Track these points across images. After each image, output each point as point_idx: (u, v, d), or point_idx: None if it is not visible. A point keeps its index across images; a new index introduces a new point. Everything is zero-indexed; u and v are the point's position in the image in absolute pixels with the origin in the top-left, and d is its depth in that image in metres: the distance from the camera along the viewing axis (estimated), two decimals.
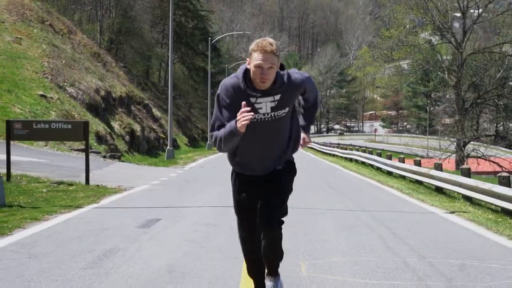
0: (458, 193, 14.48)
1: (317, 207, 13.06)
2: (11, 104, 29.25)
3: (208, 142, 60.21)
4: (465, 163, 42.42)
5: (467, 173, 14.36)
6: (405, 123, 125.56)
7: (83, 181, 17.60)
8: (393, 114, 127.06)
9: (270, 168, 5.12)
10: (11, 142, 17.72)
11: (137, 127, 40.80)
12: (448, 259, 7.51)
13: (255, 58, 4.73)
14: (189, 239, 8.86)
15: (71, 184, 16.86)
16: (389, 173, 23.82)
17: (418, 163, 20.16)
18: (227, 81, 4.96)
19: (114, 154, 28.94)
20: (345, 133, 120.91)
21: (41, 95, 31.58)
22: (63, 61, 38.17)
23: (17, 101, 29.76)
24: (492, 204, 12.30)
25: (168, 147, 36.15)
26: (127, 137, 37.55)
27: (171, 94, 37.45)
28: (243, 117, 4.59)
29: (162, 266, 6.93)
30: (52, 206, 12.29)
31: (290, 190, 5.23)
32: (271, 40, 4.81)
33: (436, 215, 12.15)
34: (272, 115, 4.90)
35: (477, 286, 6.22)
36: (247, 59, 4.87)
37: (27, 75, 33.38)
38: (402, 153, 60.32)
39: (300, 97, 5.36)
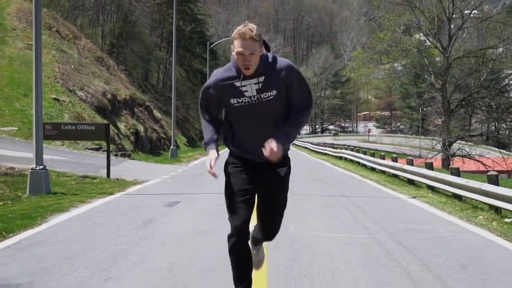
0: (423, 183, 17.46)
1: (304, 193, 15.96)
2: (28, 107, 32.06)
3: None
4: (451, 162, 45.42)
5: (430, 167, 17.38)
6: (398, 124, 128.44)
7: (104, 175, 20.49)
8: (386, 114, 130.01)
9: (262, 154, 4.94)
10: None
11: (140, 128, 43.59)
12: (396, 224, 10.47)
13: (236, 46, 4.81)
14: (207, 213, 11.75)
15: (94, 178, 19.74)
16: (373, 169, 26.79)
17: (395, 160, 23.16)
18: (217, 72, 5.10)
19: (125, 152, 31.86)
20: (339, 134, 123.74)
21: (54, 99, 34.42)
22: (72, 66, 41.03)
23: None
24: (446, 190, 15.24)
25: (172, 147, 39.16)
26: (132, 137, 40.32)
27: (174, 98, 40.32)
28: (207, 163, 4.97)
29: (191, 229, 9.82)
30: (89, 193, 15.19)
31: (286, 194, 5.32)
32: (251, 26, 4.85)
33: (401, 199, 15.15)
34: (259, 98, 4.91)
35: (408, 238, 9.14)
36: (231, 46, 4.92)
37: None
38: (394, 153, 63.25)
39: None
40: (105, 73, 48.70)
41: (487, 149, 53.93)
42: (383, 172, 24.21)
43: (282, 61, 5.01)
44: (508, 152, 51.10)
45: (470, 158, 47.29)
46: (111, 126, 37.18)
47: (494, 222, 10.80)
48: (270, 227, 5.33)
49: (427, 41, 51.13)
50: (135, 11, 67.10)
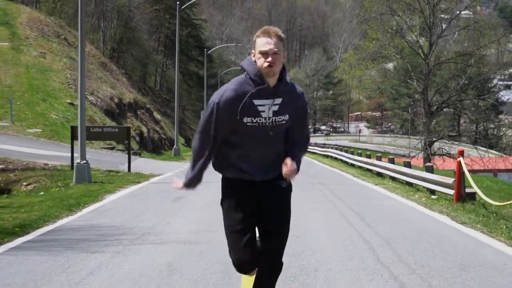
0: (387, 174, 21.98)
1: None
2: (47, 111, 36.47)
3: None
4: (431, 160, 49.99)
5: (392, 161, 21.92)
6: (389, 124, 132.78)
7: (125, 170, 24.97)
8: (377, 115, 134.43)
9: (267, 174, 4.82)
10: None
11: (144, 129, 47.98)
12: (353, 199, 14.99)
13: (260, 44, 4.57)
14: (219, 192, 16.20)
15: (118, 172, 24.20)
16: (352, 165, 31.31)
17: (379, 159, 27.71)
18: (231, 87, 4.69)
19: (135, 151, 36.29)
20: (331, 134, 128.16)
21: (69, 103, 38.82)
22: None
23: (51, 109, 36.98)
24: (402, 179, 19.73)
25: (175, 146, 43.77)
26: (137, 138, 44.72)
27: (177, 102, 44.78)
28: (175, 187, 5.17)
29: (213, 200, 14.23)
30: (122, 182, 19.64)
31: (290, 213, 4.97)
32: (276, 28, 4.67)
33: (365, 186, 19.72)
34: (273, 120, 4.66)
35: (358, 206, 13.61)
36: (252, 51, 4.68)
37: (55, 86, 40.62)
38: (379, 152, 67.78)
39: None
40: (110, 78, 53.09)
41: (468, 147, 58.27)
42: (360, 167, 28.72)
43: (298, 87, 4.87)
44: (485, 150, 55.28)
45: (449, 157, 51.85)
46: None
47: (423, 198, 15.30)
48: (273, 251, 4.85)
49: (410, 48, 55.36)
50: (134, 17, 71.44)
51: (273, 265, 4.86)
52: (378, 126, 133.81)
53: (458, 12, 55.45)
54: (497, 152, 79.01)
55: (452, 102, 54.07)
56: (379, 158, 25.35)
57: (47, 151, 28.59)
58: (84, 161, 19.70)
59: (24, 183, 21.93)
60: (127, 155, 33.38)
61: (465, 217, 11.83)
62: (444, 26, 53.24)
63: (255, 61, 4.64)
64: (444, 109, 58.35)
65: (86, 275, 6.85)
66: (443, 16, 53.94)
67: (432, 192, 16.18)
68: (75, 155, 24.02)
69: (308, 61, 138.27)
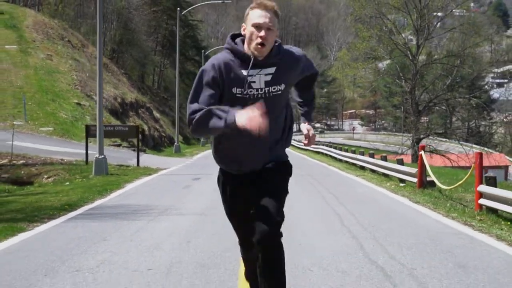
0: (368, 167, 24.99)
1: None
2: (57, 110, 39.41)
3: (202, 140, 70.10)
4: (419, 157, 53.09)
5: (372, 155, 24.96)
6: (382, 122, 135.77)
7: (133, 164, 27.93)
8: (371, 113, 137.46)
9: (260, 162, 4.54)
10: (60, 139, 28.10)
11: (145, 127, 50.92)
12: (334, 186, 17.97)
13: (253, 17, 4.30)
14: None
15: (128, 166, 27.18)
16: (340, 160, 34.30)
17: (372, 156, 30.74)
18: (217, 56, 4.50)
19: (141, 148, 39.17)
20: (325, 131, 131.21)
21: (77, 103, 41.76)
22: (87, 74, 48.40)
23: (61, 108, 39.92)
24: (380, 171, 22.71)
25: (175, 143, 46.78)
26: (140, 136, 47.64)
27: (178, 101, 47.77)
28: (256, 122, 4.01)
29: (215, 187, 17.20)
30: (135, 174, 22.61)
31: (285, 191, 4.66)
32: (273, 2, 4.34)
33: (347, 177, 22.77)
34: (266, 91, 4.37)
35: (335, 191, 16.60)
36: (242, 25, 4.41)
37: (63, 87, 43.55)
38: (377, 149, 70.98)
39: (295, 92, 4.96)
40: (112, 78, 56.01)
41: (454, 144, 61.16)
42: (346, 161, 31.72)
43: (295, 52, 4.62)
44: (470, 147, 58.26)
45: (436, 154, 54.89)
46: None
47: (393, 186, 18.31)
48: (264, 221, 4.33)
49: (398, 49, 58.22)
50: (133, 19, 74.35)
51: (268, 240, 4.29)
52: (371, 124, 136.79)
53: (444, 15, 58.43)
54: (487, 149, 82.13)
55: (439, 101, 57.11)
56: (371, 155, 26.38)
57: (61, 148, 31.57)
58: (102, 156, 22.67)
59: (45, 176, 24.86)
60: (132, 152, 36.40)
61: (420, 198, 14.85)
62: (431, 29, 56.12)
63: (242, 40, 4.47)
64: (435, 108, 61.37)
65: (134, 232, 9.81)
66: (434, 14, 56.79)
67: (402, 181, 19.17)
68: (89, 152, 27.09)
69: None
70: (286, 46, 4.60)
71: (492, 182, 12.35)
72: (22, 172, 25.69)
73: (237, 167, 4.65)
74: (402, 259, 7.69)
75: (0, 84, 41.30)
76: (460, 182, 14.12)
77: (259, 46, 4.30)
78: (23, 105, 35.96)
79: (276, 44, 4.46)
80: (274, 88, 4.42)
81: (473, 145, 60.42)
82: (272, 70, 4.41)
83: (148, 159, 33.41)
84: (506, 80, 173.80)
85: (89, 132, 27.30)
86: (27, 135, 33.31)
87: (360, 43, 58.83)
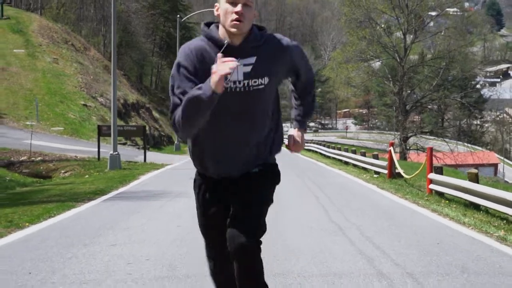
0: (351, 162, 28.38)
1: None
2: (65, 111, 42.72)
3: (175, 142, 73.37)
4: (407, 155, 56.60)
5: (354, 151, 28.37)
6: (375, 121, 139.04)
7: (140, 161, 31.24)
8: (364, 112, 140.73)
9: (243, 168, 4.09)
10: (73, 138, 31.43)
11: (146, 127, 54.22)
12: (318, 177, 21.33)
13: None
14: None
15: (136, 162, 30.49)
16: (328, 157, 37.69)
17: (364, 154, 34.16)
18: (189, 43, 4.04)
19: (144, 146, 42.52)
20: (319, 130, 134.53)
21: (83, 104, 45.06)
22: (91, 77, 51.71)
23: (69, 109, 43.22)
24: (360, 166, 26.06)
25: (175, 142, 50.11)
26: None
27: None
28: (223, 65, 3.65)
29: None
30: (145, 169, 25.92)
31: (269, 201, 4.21)
32: None
33: (331, 170, 26.19)
34: (246, 85, 3.90)
35: (318, 182, 19.98)
36: (215, 4, 3.98)
37: (70, 89, 46.83)
38: (367, 147, 74.50)
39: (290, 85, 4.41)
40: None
41: (440, 141, 64.51)
42: (334, 158, 35.10)
43: (281, 40, 4.08)
44: (455, 144, 61.66)
45: (423, 151, 58.35)
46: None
47: (368, 177, 21.68)
48: (241, 228, 3.98)
49: (387, 52, 61.48)
50: (132, 21, 77.58)
51: (245, 254, 3.96)
52: (364, 123, 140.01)
53: (430, 20, 61.85)
54: (477, 147, 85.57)
55: (426, 102, 60.57)
56: (363, 154, 27.84)
57: (72, 146, 34.89)
58: (116, 152, 25.99)
59: (62, 171, 28.10)
60: (137, 150, 39.70)
61: (386, 186, 18.23)
62: (418, 32, 59.49)
63: (217, 26, 4.02)
64: (427, 107, 64.80)
65: (159, 207, 13.15)
66: (420, 18, 60.19)
67: (377, 173, 22.54)
68: (101, 150, 30.42)
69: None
70: (277, 35, 4.12)
71: (439, 170, 15.74)
72: (41, 167, 28.90)
73: (215, 169, 4.12)
74: (355, 221, 11.07)
75: (12, 86, 44.49)
76: (417, 172, 17.52)
77: (235, 22, 3.79)
78: (36, 106, 39.16)
79: (256, 30, 4.01)
80: (254, 82, 3.91)
81: (460, 143, 63.79)
82: (252, 59, 3.92)
83: (153, 156, 36.68)
84: (498, 80, 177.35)
85: (101, 132, 30.59)
86: (40, 135, 36.51)
87: (350, 45, 62.32)
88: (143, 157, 32.78)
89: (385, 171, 21.02)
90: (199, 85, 3.77)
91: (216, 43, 3.92)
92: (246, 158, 4.09)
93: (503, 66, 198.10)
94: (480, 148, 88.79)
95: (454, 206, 13.56)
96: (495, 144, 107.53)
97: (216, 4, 3.95)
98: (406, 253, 8.22)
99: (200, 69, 3.91)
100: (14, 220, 11.41)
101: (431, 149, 16.70)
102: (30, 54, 51.30)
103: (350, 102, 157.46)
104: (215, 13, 3.93)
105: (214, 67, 3.67)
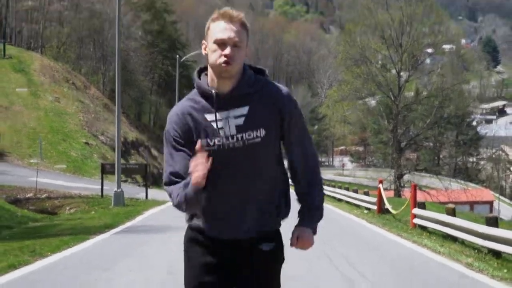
0: (342, 199, 29.90)
1: None
2: (68, 149, 44.28)
3: None
4: (401, 192, 58.13)
5: (347, 188, 29.91)
6: (372, 158, 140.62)
7: (142, 198, 32.71)
8: (361, 149, 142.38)
9: (249, 229, 3.57)
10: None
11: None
12: None
13: (216, 30, 3.41)
14: None
15: (138, 199, 31.97)
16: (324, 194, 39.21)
17: (355, 191, 35.71)
18: (175, 109, 3.60)
19: (145, 183, 44.02)
20: None
21: (85, 143, 46.63)
22: (92, 115, 53.37)
23: (71, 148, 44.78)
24: (352, 202, 27.55)
25: None
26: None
27: None
28: (195, 168, 3.28)
29: None
30: (147, 205, 27.38)
31: (278, 286, 3.73)
32: (240, 12, 3.49)
33: (325, 207, 27.52)
34: (240, 139, 3.44)
35: None
36: (203, 42, 3.51)
37: (72, 128, 48.44)
38: (362, 184, 76.01)
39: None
40: (114, 118, 60.86)
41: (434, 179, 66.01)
42: (328, 195, 36.58)
43: (278, 88, 3.61)
44: (448, 182, 63.11)
45: (418, 189, 59.90)
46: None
47: (359, 212, 23.19)
48: None
49: (381, 91, 63.20)
50: (132, 60, 79.54)
51: None
52: (361, 160, 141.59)
53: (424, 59, 63.76)
54: (475, 185, 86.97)
55: (420, 140, 62.26)
56: (355, 191, 29.64)
57: (75, 183, 36.36)
58: (120, 189, 27.47)
59: (68, 208, 29.54)
60: (137, 187, 41.16)
61: (375, 220, 19.74)
62: (411, 72, 61.36)
63: (202, 71, 3.61)
64: (422, 144, 66.52)
65: (167, 238, 14.62)
66: (414, 57, 62.18)
67: (368, 209, 24.05)
68: (99, 186, 31.92)
69: (295, 97, 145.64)
70: (278, 84, 3.69)
71: (422, 206, 17.27)
72: (47, 204, 30.33)
73: (215, 226, 3.62)
74: (342, 250, 12.57)
75: (15, 125, 46.10)
76: (402, 208, 19.04)
77: (223, 65, 3.38)
78: (39, 145, 40.67)
79: (249, 74, 3.56)
80: (249, 135, 3.46)
81: (453, 180, 65.22)
82: (244, 110, 3.48)
83: (154, 193, 38.12)
84: (494, 117, 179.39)
85: (104, 170, 32.11)
86: (44, 172, 37.99)
87: (345, 84, 64.18)
88: (144, 194, 34.23)
89: (375, 207, 22.51)
90: (184, 183, 3.40)
91: (205, 96, 3.50)
92: (248, 217, 3.56)
93: (499, 103, 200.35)
94: (475, 185, 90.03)
95: (434, 238, 15.06)
96: (491, 181, 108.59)
97: (203, 42, 3.53)
98: (384, 276, 9.72)
99: (187, 135, 3.50)
100: (37, 250, 12.87)
101: (415, 186, 18.22)
102: (33, 93, 52.97)
103: (346, 139, 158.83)
104: (203, 52, 3.53)
105: (191, 165, 3.29)
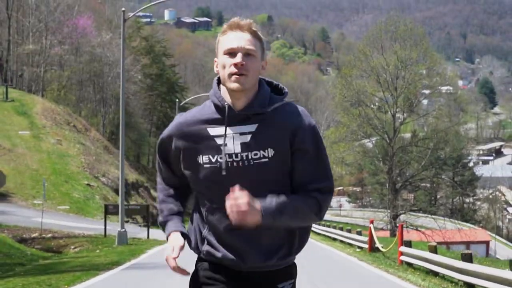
0: (338, 238, 31.29)
1: None
2: (70, 191, 45.66)
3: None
4: (396, 231, 59.46)
5: (341, 228, 31.33)
6: (369, 199, 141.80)
7: (144, 237, 34.07)
8: (358, 190, 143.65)
9: (257, 258, 3.22)
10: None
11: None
12: (307, 251, 24.25)
13: (224, 42, 3.15)
14: None
15: (140, 239, 33.33)
16: (318, 233, 40.63)
17: (360, 233, 37.13)
18: (180, 116, 3.42)
19: (145, 224, 45.38)
20: None
21: (87, 184, 48.03)
22: (93, 157, 54.86)
23: (73, 189, 46.17)
24: (345, 241, 28.94)
25: None
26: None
27: None
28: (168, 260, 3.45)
29: None
30: (150, 244, 28.74)
31: None
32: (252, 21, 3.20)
33: (320, 246, 28.96)
34: (245, 158, 3.11)
35: (308, 254, 22.89)
36: (215, 60, 3.25)
37: (74, 170, 49.87)
38: (358, 225, 77.32)
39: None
40: (115, 160, 62.42)
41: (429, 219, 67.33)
42: (323, 234, 38.00)
43: (291, 112, 3.20)
44: (443, 222, 64.39)
45: (412, 229, 61.25)
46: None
47: (351, 251, 24.58)
48: None
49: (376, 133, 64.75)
50: (131, 102, 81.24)
51: None
52: (358, 201, 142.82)
53: (418, 101, 65.42)
54: (471, 225, 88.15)
55: (414, 181, 63.76)
56: (348, 231, 31.90)
57: (78, 223, 37.73)
58: (123, 229, 28.86)
59: (72, 247, 30.86)
60: (138, 227, 42.50)
61: (366, 258, 21.15)
62: (405, 114, 63.05)
63: (217, 81, 3.28)
64: (419, 185, 68.03)
65: (171, 273, 15.97)
66: (408, 101, 63.97)
67: (360, 247, 25.45)
68: (102, 226, 33.30)
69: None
70: (300, 108, 3.26)
71: (408, 244, 18.70)
72: (52, 243, 31.66)
73: (234, 255, 3.25)
74: (331, 282, 13.99)
75: (18, 167, 47.50)
76: (390, 246, 20.46)
77: (235, 77, 3.05)
78: (43, 187, 42.03)
79: (264, 91, 3.20)
80: (255, 154, 3.10)
81: (447, 219, 66.46)
82: (252, 127, 3.13)
83: (155, 233, 39.48)
84: (491, 158, 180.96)
85: (108, 210, 33.51)
86: (48, 213, 39.26)
87: (341, 127, 65.86)
88: (145, 234, 35.55)
89: (366, 246, 23.92)
90: (169, 213, 3.52)
91: (215, 105, 3.21)
92: (255, 243, 3.21)
93: (496, 144, 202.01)
94: (472, 226, 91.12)
95: (418, 273, 16.48)
96: (487, 221, 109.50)
97: (215, 59, 3.25)
98: None
99: (178, 149, 3.31)
100: (53, 284, 14.26)
101: (402, 226, 19.70)
102: (35, 136, 54.41)
103: (344, 180, 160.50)
104: (215, 69, 3.24)
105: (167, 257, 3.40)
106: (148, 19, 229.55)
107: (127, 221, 43.25)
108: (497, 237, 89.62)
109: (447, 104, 72.74)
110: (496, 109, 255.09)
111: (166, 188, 3.58)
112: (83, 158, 53.01)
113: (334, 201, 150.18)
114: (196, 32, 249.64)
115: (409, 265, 18.18)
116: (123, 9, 33.20)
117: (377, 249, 23.05)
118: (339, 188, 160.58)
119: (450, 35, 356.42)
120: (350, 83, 63.55)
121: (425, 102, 73.07)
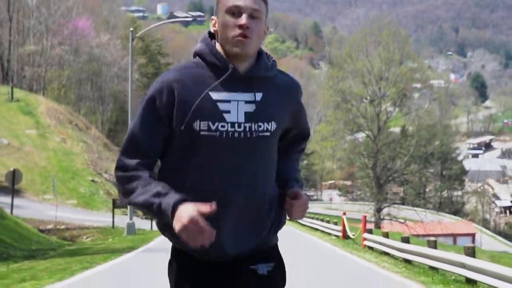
0: (324, 230, 35.96)
1: None
2: (77, 186, 50.17)
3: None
4: (381, 224, 64.15)
5: (328, 221, 36.04)
6: (359, 192, 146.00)
7: (147, 228, 38.64)
8: (348, 184, 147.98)
9: (244, 245, 2.97)
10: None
11: None
12: (288, 239, 28.97)
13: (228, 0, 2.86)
14: None
15: (144, 229, 37.89)
16: (304, 225, 45.27)
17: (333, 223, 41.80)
18: (172, 69, 2.97)
19: (147, 216, 49.86)
20: None
21: (92, 180, 52.52)
22: (96, 155, 59.37)
23: (79, 185, 50.67)
24: (332, 233, 33.58)
25: None
26: None
27: None
28: (199, 234, 2.64)
29: None
30: (155, 234, 33.29)
31: None
32: None
33: (299, 234, 33.64)
34: (248, 129, 2.86)
35: (289, 241, 27.61)
36: (212, 18, 3.01)
37: (79, 167, 54.34)
38: (352, 218, 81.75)
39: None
40: (114, 157, 66.74)
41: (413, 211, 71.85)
42: (308, 226, 42.65)
43: (290, 77, 3.18)
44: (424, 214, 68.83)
45: (396, 221, 65.90)
46: None
47: (328, 238, 29.25)
48: None
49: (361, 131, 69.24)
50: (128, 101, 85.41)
51: None
52: (349, 194, 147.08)
53: (400, 100, 69.91)
54: (459, 217, 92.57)
55: (397, 176, 68.46)
56: (327, 221, 37.66)
57: (86, 216, 42.24)
58: (132, 221, 33.43)
59: (84, 237, 35.32)
60: (140, 219, 47.03)
61: (337, 243, 25.83)
62: (388, 114, 67.65)
63: (213, 38, 2.99)
64: (408, 179, 72.52)
65: None
66: (414, 85, 68.58)
67: (337, 236, 30.14)
68: (109, 219, 37.85)
69: None
70: (284, 73, 3.15)
71: (370, 231, 23.43)
72: (66, 234, 36.10)
73: (215, 245, 2.82)
74: (302, 262, 18.66)
75: (28, 164, 51.89)
76: (357, 233, 25.19)
77: (239, 39, 2.81)
78: (53, 183, 46.40)
79: (267, 56, 3.03)
80: (259, 126, 2.87)
81: (428, 211, 71.04)
82: (258, 96, 2.90)
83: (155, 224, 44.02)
84: (481, 151, 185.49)
85: (115, 204, 38.09)
86: (58, 207, 43.79)
87: (329, 125, 70.56)
88: (149, 225, 40.08)
89: (340, 234, 28.65)
90: (166, 205, 2.71)
91: (214, 65, 2.88)
92: (244, 228, 2.94)
93: (486, 137, 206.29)
94: (459, 218, 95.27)
95: (374, 254, 21.19)
96: (475, 214, 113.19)
97: (212, 17, 2.97)
98: (328, 276, 15.81)
99: (171, 110, 2.82)
100: (90, 261, 18.81)
101: (365, 217, 24.41)
102: (41, 135, 58.73)
103: (335, 174, 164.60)
104: (212, 29, 2.95)
105: (185, 218, 2.63)
106: (141, 13, 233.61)
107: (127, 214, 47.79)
108: (483, 229, 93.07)
109: (438, 100, 76.54)
110: (487, 103, 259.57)
111: (141, 176, 2.86)
112: (87, 156, 57.41)
113: (325, 195, 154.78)
114: (189, 27, 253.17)
115: (371, 248, 22.87)
116: (131, 29, 37.85)
117: (349, 237, 27.72)
118: (331, 182, 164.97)
119: (442, 29, 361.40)
120: (336, 83, 68.22)
121: (416, 95, 77.29)
